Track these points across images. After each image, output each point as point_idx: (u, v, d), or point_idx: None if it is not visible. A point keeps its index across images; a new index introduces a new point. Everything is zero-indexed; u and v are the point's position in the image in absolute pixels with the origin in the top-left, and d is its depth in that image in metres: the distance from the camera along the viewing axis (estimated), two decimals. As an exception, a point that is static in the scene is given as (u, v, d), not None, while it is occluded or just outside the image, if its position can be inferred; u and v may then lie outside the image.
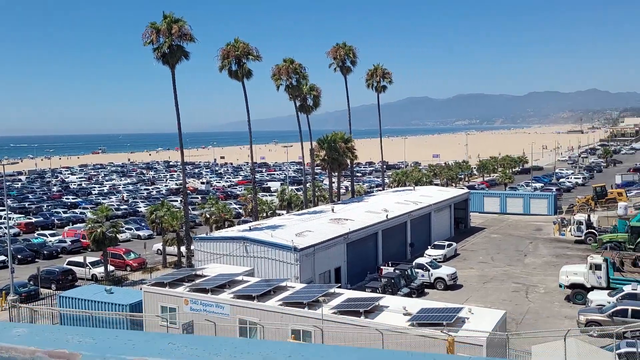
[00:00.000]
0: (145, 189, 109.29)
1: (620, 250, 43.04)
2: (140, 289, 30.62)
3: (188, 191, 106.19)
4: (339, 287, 28.66)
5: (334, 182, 59.66)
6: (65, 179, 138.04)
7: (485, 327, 21.78)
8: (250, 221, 54.80)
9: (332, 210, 46.87)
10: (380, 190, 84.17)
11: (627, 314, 28.15)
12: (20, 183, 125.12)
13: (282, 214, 56.54)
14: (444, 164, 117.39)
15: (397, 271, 38.21)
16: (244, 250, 36.70)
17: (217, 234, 39.94)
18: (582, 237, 51.88)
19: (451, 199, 58.26)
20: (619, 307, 28.63)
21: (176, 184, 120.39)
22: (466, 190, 67.26)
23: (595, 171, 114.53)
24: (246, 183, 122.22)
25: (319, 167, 57.24)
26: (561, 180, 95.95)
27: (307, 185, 59.32)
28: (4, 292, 37.90)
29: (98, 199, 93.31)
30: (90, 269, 43.89)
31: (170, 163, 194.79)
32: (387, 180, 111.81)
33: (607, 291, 32.80)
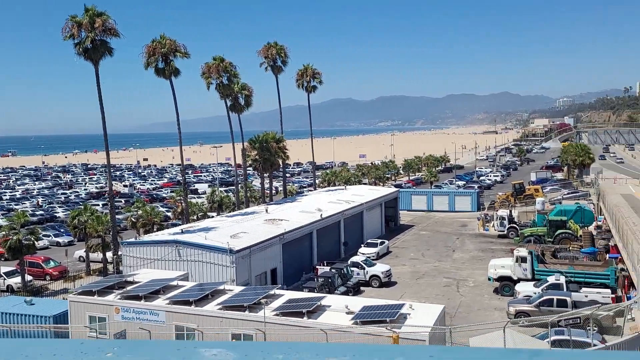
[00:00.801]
0: (62, 193, 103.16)
1: (540, 243, 45.57)
2: (64, 298, 28.61)
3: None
4: (279, 288, 28.15)
5: (266, 183, 58.98)
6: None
7: (427, 322, 22.12)
8: (180, 224, 53.05)
9: (266, 210, 46.25)
10: (311, 190, 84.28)
11: (553, 303, 29.69)
12: None
13: (213, 216, 55.20)
14: (370, 164, 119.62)
15: (333, 270, 38.25)
16: (176, 254, 35.34)
17: (147, 238, 38.22)
18: (505, 232, 54.40)
19: (382, 198, 59.30)
20: (545, 297, 30.14)
21: (96, 187, 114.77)
22: (395, 189, 68.74)
23: (511, 169, 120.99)
24: (172, 185, 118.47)
25: (251, 168, 56.30)
26: (481, 178, 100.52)
27: (239, 186, 58.27)
28: None
29: (10, 205, 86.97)
30: (4, 279, 40.69)
31: (89, 166, 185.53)
32: (316, 181, 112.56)
33: (533, 282, 34.49)
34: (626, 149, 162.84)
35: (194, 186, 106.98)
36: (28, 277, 40.69)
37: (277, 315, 23.50)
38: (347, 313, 23.39)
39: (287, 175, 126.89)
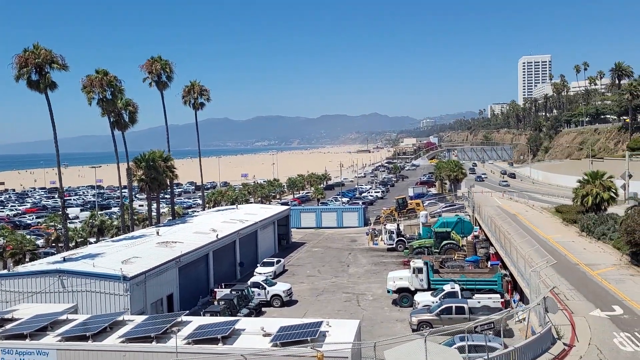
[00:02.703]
0: None
1: (428, 254, 47.92)
2: None
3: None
4: (187, 314, 26.35)
5: (153, 204, 55.76)
6: None
7: (346, 338, 21.92)
8: (54, 252, 48.19)
9: (157, 233, 43.56)
10: (198, 210, 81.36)
11: (452, 310, 31.13)
12: None
13: (92, 242, 50.93)
14: (253, 183, 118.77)
15: (233, 292, 36.89)
16: (59, 285, 31.84)
17: (22, 268, 33.98)
18: (394, 245, 56.58)
19: (275, 216, 58.83)
20: (444, 306, 31.50)
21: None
22: (287, 207, 68.66)
23: (389, 185, 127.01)
24: (37, 210, 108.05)
25: (137, 188, 52.92)
26: (363, 194, 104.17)
27: (120, 208, 54.40)
28: None
29: None
30: None
31: None
32: (199, 201, 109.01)
33: (430, 292, 35.98)
34: (484, 164, 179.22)
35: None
36: None
37: (189, 343, 21.91)
38: (265, 335, 22.49)
39: (167, 196, 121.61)
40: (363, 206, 77.72)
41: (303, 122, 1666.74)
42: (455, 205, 74.05)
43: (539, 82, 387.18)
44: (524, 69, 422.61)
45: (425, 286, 37.26)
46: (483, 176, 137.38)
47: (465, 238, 53.18)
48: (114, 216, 70.88)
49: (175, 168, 55.73)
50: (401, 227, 60.26)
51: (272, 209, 63.22)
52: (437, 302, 33.20)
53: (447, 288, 34.50)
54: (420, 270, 37.43)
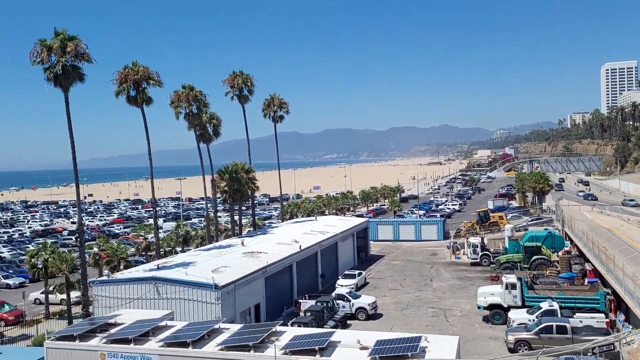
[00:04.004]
0: (4, 232, 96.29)
1: (516, 269, 45.74)
2: (42, 345, 25.67)
3: (56, 233, 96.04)
4: (282, 324, 26.37)
5: (237, 214, 56.96)
6: None
7: (447, 355, 21.07)
8: (144, 261, 50.13)
9: (242, 243, 44.30)
10: (273, 222, 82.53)
11: (553, 330, 29.32)
12: None
13: (178, 251, 52.59)
14: (325, 195, 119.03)
15: (318, 304, 36.71)
16: (155, 292, 32.89)
17: (120, 275, 35.45)
18: (478, 259, 54.56)
19: (354, 228, 58.40)
20: (544, 324, 29.72)
21: (40, 225, 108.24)
22: (366, 219, 68.13)
23: (465, 198, 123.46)
24: (123, 221, 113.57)
25: (220, 199, 54.26)
26: (440, 207, 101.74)
27: (205, 219, 55.89)
28: None
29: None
30: (-46, 327, 36.57)
31: (29, 203, 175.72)
32: (274, 213, 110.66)
33: (525, 309, 34.16)
34: (568, 176, 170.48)
35: (148, 221, 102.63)
36: (-19, 324, 36.81)
37: (286, 354, 21.77)
38: (362, 349, 21.99)
39: (243, 207, 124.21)
40: (442, 219, 75.75)
41: (371, 134, 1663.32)
42: (542, 218, 70.59)
43: (624, 90, 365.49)
44: (608, 76, 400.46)
45: (519, 303, 35.44)
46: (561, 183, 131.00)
47: (556, 253, 50.45)
48: (196, 227, 73.08)
49: (256, 180, 56.71)
50: (485, 241, 58.09)
51: (351, 221, 62.86)
52: (534, 320, 31.45)
53: (545, 305, 32.63)
54: (513, 286, 35.68)
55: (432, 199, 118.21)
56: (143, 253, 53.15)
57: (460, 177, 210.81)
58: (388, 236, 72.36)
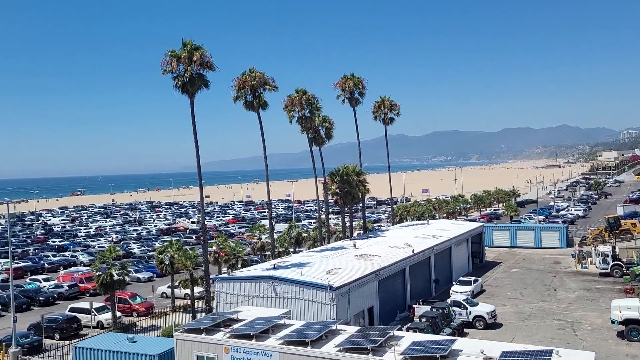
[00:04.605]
0: (134, 230, 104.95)
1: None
2: (171, 336, 27.36)
3: (179, 231, 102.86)
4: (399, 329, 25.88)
5: (346, 217, 57.21)
6: (47, 222, 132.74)
7: (584, 372, 19.33)
8: (259, 260, 51.89)
9: (354, 246, 44.31)
10: (382, 225, 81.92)
11: None
12: (0, 227, 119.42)
13: (291, 252, 53.82)
14: (435, 199, 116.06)
15: (434, 310, 35.61)
16: (272, 290, 33.81)
17: (239, 273, 36.91)
18: (608, 270, 50.11)
19: (468, 233, 56.25)
20: (695, 344, 26.46)
21: (164, 224, 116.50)
22: (480, 223, 65.43)
23: (590, 203, 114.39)
24: (237, 222, 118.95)
25: (332, 201, 54.79)
26: (561, 212, 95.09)
27: (318, 220, 56.70)
28: (3, 343, 34.01)
29: (86, 241, 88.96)
30: (95, 315, 40.22)
31: (154, 203, 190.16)
32: (382, 216, 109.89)
33: (669, 326, 30.71)
34: None
35: (261, 222, 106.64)
36: (117, 314, 40.10)
37: (405, 359, 21.23)
38: (485, 359, 20.87)
39: (353, 210, 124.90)
40: (565, 225, 70.63)
41: (482, 136, 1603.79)
42: (683, 227, 63.34)
43: None
44: None
45: (661, 319, 31.90)
46: None
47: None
48: (307, 228, 74.48)
49: (367, 182, 56.53)
50: (616, 250, 53.21)
51: (465, 225, 60.61)
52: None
53: (694, 323, 29.05)
54: (654, 300, 32.20)
55: (552, 203, 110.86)
56: (258, 253, 55.08)
57: (583, 180, 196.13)
58: (504, 242, 68.90)
